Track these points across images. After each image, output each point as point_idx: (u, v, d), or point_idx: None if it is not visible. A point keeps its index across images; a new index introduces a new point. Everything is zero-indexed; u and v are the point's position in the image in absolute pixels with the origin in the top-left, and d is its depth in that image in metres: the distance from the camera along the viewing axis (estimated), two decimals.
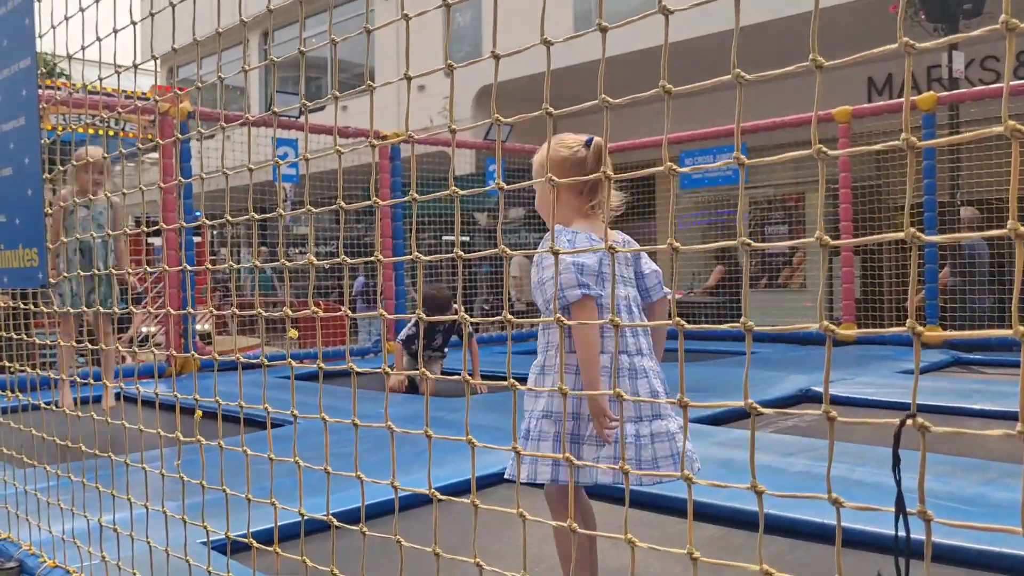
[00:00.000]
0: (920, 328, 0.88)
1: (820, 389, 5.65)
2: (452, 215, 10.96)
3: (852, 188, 8.74)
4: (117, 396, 4.74)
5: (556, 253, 1.28)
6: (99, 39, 2.17)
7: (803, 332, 8.51)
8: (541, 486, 2.41)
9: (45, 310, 2.52)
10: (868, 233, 9.05)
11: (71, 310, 2.69)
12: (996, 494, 3.24)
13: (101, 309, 2.24)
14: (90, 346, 2.51)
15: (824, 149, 0.94)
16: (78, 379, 2.40)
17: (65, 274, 4.23)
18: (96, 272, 2.25)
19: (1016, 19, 0.85)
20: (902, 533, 0.91)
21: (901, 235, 0.90)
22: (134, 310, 2.69)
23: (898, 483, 0.90)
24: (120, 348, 2.32)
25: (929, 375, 6.74)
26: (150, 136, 8.88)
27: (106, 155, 4.66)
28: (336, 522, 1.61)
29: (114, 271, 2.25)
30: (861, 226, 8.96)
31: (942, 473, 3.54)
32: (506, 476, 2.47)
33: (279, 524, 1.80)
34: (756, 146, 9.76)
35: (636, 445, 2.21)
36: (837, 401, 5.41)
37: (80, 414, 2.38)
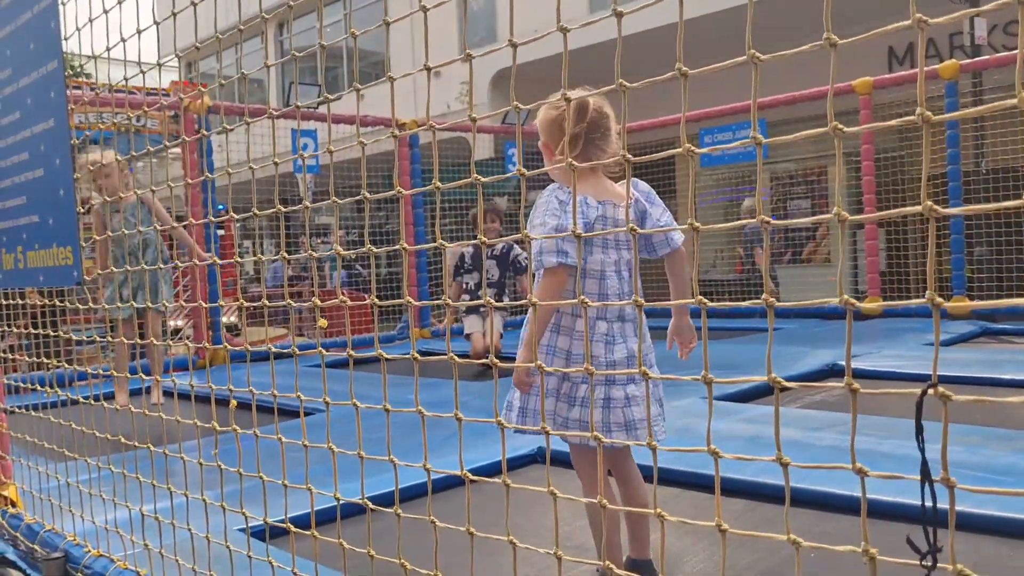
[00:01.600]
0: (940, 300, 0.90)
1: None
2: (472, 200, 10.96)
3: (875, 160, 8.67)
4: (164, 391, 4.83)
5: (579, 235, 1.30)
6: (123, 40, 2.20)
7: (830, 307, 8.51)
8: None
9: (80, 306, 2.57)
10: (892, 205, 8.97)
11: (131, 314, 2.72)
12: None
13: (150, 305, 2.29)
14: (140, 341, 2.58)
15: (840, 126, 0.96)
16: (128, 375, 2.47)
17: (112, 279, 4.19)
18: (138, 268, 2.30)
19: None
20: (928, 502, 0.93)
21: (919, 208, 0.92)
22: (166, 304, 2.74)
23: (922, 451, 0.92)
24: (169, 343, 2.38)
25: (957, 346, 6.71)
26: (172, 132, 8.95)
27: (118, 157, 4.62)
28: (371, 505, 1.64)
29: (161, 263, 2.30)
30: (884, 198, 8.89)
31: (974, 444, 3.54)
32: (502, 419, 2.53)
33: (315, 509, 1.84)
34: (776, 120, 9.68)
35: (607, 408, 2.26)
36: (864, 375, 5.40)
37: (133, 408, 2.44)
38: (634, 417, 2.27)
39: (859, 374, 5.46)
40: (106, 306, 3.76)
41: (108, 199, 2.61)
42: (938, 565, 0.93)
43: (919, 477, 0.90)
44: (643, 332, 2.46)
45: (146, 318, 4.57)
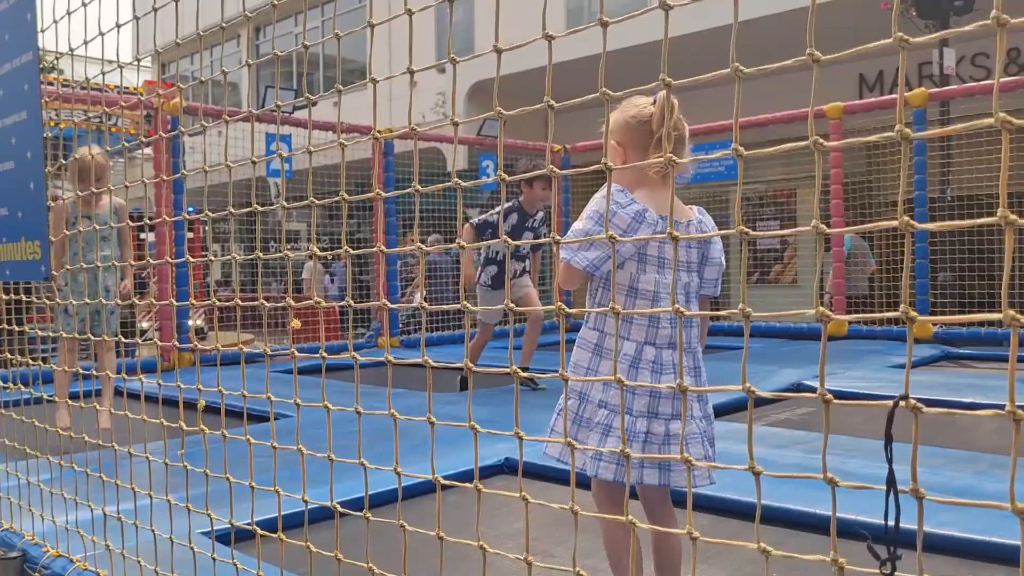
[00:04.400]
0: (913, 313, 0.91)
1: (812, 383, 5.70)
2: (445, 211, 10.95)
3: (844, 184, 8.80)
4: (118, 391, 4.67)
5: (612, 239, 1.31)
6: (102, 34, 2.19)
7: (796, 327, 8.60)
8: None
9: (48, 302, 2.54)
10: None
11: (75, 335, 2.67)
12: (987, 485, 3.29)
13: (107, 337, 2.25)
14: (86, 371, 2.53)
15: (821, 140, 0.98)
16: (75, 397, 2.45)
17: (70, 297, 3.83)
18: (101, 301, 2.27)
19: (1007, 15, 0.88)
20: (893, 509, 0.94)
21: (895, 223, 0.94)
22: (137, 302, 2.69)
23: (889, 461, 0.93)
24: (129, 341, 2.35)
25: (919, 370, 6.80)
26: (144, 132, 8.87)
27: (106, 152, 4.38)
28: (340, 508, 1.63)
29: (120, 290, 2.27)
30: (853, 221, 9.01)
31: (934, 465, 3.59)
32: (545, 452, 2.19)
33: (283, 513, 1.83)
34: (748, 142, 9.62)
35: (644, 442, 2.04)
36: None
37: (72, 434, 2.40)
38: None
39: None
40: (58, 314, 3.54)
41: (80, 196, 2.56)
42: (897, 573, 0.94)
43: (885, 487, 0.92)
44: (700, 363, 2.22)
45: (100, 347, 4.25)
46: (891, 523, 0.91)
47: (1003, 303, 0.87)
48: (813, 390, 6.03)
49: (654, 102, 2.11)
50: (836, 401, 0.99)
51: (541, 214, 5.98)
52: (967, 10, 8.63)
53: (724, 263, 2.22)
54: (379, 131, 1.79)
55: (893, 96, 8.29)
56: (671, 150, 2.04)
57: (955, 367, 7.08)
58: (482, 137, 10.13)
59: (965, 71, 10.71)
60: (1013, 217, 0.86)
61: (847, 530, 2.67)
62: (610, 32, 1.19)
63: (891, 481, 0.92)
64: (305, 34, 1.75)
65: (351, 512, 1.65)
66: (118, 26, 2.14)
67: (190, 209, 10.17)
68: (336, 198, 1.67)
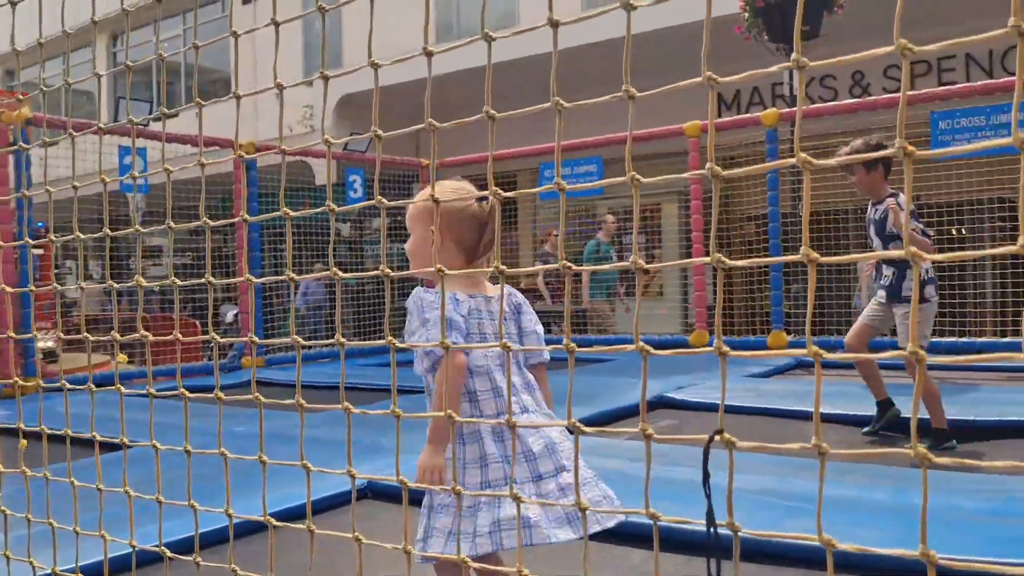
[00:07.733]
0: (725, 348, 0.92)
1: (673, 395, 5.84)
2: (312, 224, 10.70)
3: (702, 199, 9.11)
4: None
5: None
6: None
7: (660, 338, 8.83)
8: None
9: None
10: (719, 240, 9.40)
11: None
12: (831, 492, 3.43)
13: None
14: None
15: (637, 176, 0.98)
16: None
17: None
18: None
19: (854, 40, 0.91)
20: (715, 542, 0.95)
21: (708, 260, 0.95)
22: None
23: (708, 497, 0.94)
24: None
25: (773, 378, 7.07)
26: None
27: None
28: (169, 553, 1.55)
29: None
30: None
31: (784, 473, 3.73)
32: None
33: (109, 556, 1.72)
34: (615, 158, 10.03)
35: (541, 505, 1.90)
36: (688, 406, 5.60)
37: None
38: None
39: (681, 405, 5.67)
40: None
41: None
42: None
43: (704, 522, 0.93)
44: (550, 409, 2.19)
45: None
46: (714, 561, 0.91)
47: (807, 336, 0.89)
48: (674, 402, 6.08)
49: (481, 201, 2.15)
50: (657, 437, 1.00)
51: (887, 202, 4.43)
52: (814, 35, 9.06)
53: (541, 331, 2.25)
54: (243, 149, 1.71)
55: (747, 116, 8.66)
56: (490, 250, 2.14)
57: (807, 375, 7.40)
58: (349, 152, 10.00)
59: (814, 91, 11.30)
60: (815, 256, 0.88)
61: (694, 544, 2.72)
62: (484, 48, 1.17)
63: (710, 519, 0.93)
64: (158, 42, 1.66)
65: (181, 557, 1.57)
66: None
67: (40, 225, 9.64)
68: (198, 223, 1.59)
